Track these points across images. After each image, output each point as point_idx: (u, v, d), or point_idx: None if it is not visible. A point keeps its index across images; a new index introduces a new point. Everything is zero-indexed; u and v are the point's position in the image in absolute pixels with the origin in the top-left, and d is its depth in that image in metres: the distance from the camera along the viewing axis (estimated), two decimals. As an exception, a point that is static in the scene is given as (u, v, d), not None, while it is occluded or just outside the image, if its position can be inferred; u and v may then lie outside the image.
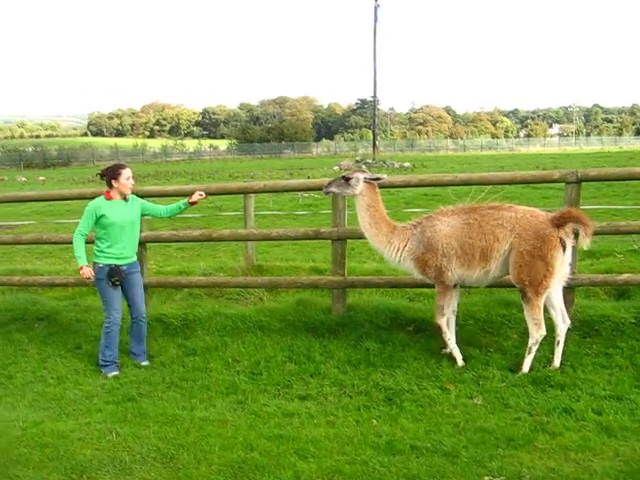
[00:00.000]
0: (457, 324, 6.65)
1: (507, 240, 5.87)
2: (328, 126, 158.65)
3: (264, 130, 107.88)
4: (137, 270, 6.99)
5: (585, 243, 5.75)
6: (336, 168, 49.24)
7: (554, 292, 6.02)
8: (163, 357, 6.99)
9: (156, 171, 53.37)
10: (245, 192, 8.12)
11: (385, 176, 6.57)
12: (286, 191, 8.04)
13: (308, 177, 36.78)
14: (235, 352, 6.87)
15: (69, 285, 8.63)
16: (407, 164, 50.23)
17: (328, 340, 6.99)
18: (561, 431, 4.87)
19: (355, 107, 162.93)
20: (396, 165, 50.02)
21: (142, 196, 7.31)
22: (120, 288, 6.79)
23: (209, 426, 5.25)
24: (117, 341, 6.84)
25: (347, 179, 6.35)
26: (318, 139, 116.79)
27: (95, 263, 6.73)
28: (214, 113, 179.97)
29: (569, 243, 5.85)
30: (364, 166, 49.00)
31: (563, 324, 6.09)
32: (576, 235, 5.89)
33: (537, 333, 5.92)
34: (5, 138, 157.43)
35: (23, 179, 51.93)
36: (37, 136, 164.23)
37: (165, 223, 17.53)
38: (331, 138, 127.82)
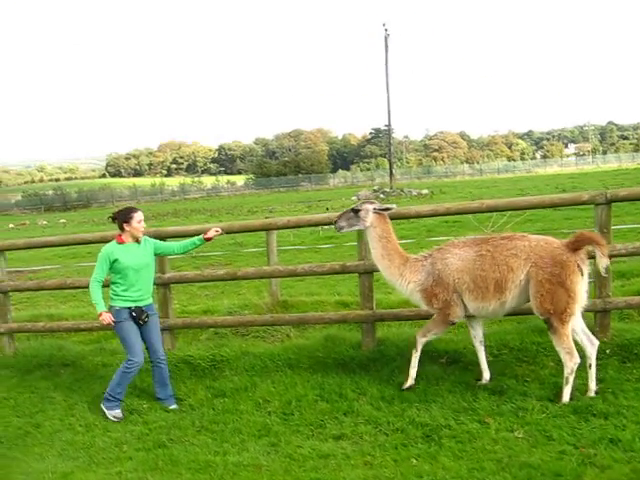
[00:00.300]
0: (488, 353, 6.52)
1: (522, 270, 5.76)
2: (344, 157, 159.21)
3: (280, 164, 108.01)
4: (154, 312, 6.94)
5: (602, 264, 5.63)
6: (354, 198, 49.14)
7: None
8: (192, 400, 6.85)
9: (175, 209, 53.65)
10: (269, 229, 8.04)
11: (395, 206, 6.49)
12: (310, 226, 7.92)
13: (327, 209, 36.70)
14: (265, 392, 6.72)
15: (94, 330, 8.54)
16: (425, 191, 49.98)
17: (359, 376, 6.82)
18: (610, 464, 4.65)
19: (370, 137, 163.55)
20: (414, 193, 49.75)
21: (164, 237, 7.27)
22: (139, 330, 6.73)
23: (243, 472, 5.10)
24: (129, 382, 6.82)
25: (356, 211, 6.30)
26: (334, 170, 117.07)
27: (112, 307, 6.67)
28: (230, 149, 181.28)
29: (585, 268, 5.72)
30: (382, 195, 48.99)
31: (591, 346, 5.91)
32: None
33: (571, 362, 5.72)
34: (25, 183, 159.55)
35: (44, 222, 52.50)
36: (57, 179, 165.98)
37: (187, 261, 17.50)
38: (347, 169, 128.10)
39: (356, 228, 6.47)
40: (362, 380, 6.71)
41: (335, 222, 6.46)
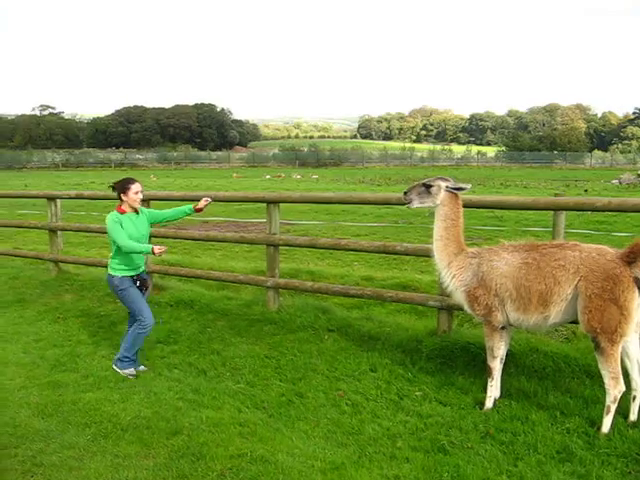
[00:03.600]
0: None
1: (570, 283, 5.24)
2: (601, 136, 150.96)
3: (535, 138, 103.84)
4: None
5: None
6: (615, 182, 45.47)
7: (630, 340, 5.22)
8: (471, 397, 5.94)
9: (425, 175, 52.79)
10: (586, 209, 6.88)
11: (469, 186, 5.94)
12: (637, 211, 6.63)
13: (585, 191, 34.22)
14: (560, 402, 5.63)
15: (364, 297, 7.90)
16: (699, 180, 44.80)
17: (684, 403, 5.51)
18: None
19: (633, 117, 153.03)
20: (684, 181, 44.82)
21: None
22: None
23: (550, 511, 4.10)
24: None
25: (428, 186, 5.91)
26: (590, 150, 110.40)
27: (114, 276, 6.86)
28: (481, 119, 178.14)
29: None
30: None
31: None
32: None
33: (615, 389, 5.11)
34: (282, 138, 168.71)
35: (298, 177, 54.43)
36: (311, 137, 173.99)
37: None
38: (604, 149, 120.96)
39: (426, 205, 6.00)
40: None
41: (405, 194, 6.06)
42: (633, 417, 5.31)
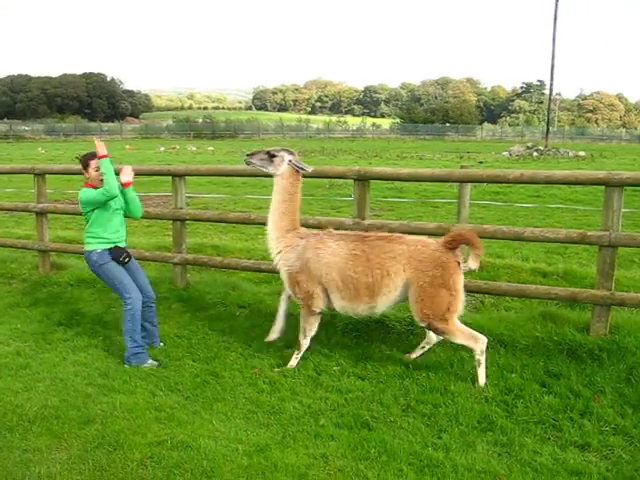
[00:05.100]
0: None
1: (401, 275, 5.51)
2: (491, 109, 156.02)
3: (428, 111, 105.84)
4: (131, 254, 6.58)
5: (473, 264, 5.46)
6: (505, 154, 47.06)
7: None
8: (388, 370, 5.88)
9: (322, 147, 53.06)
10: (498, 181, 6.91)
11: (310, 169, 6.00)
12: (548, 183, 6.68)
13: (480, 162, 35.13)
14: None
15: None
16: (582, 153, 47.03)
17: (591, 369, 5.65)
18: None
19: (520, 91, 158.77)
20: (570, 154, 46.98)
21: (373, 178, 6.34)
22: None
23: (479, 481, 4.11)
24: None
25: (272, 155, 5.95)
26: (481, 122, 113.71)
27: (92, 252, 6.26)
28: (375, 92, 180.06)
29: (462, 263, 5.56)
30: (535, 153, 46.58)
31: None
32: None
33: (477, 344, 5.53)
34: (175, 109, 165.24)
35: (194, 149, 53.46)
36: (205, 108, 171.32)
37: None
38: (493, 122, 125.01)
39: (264, 170, 6.04)
40: (595, 374, 5.54)
41: (247, 156, 6.13)
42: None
